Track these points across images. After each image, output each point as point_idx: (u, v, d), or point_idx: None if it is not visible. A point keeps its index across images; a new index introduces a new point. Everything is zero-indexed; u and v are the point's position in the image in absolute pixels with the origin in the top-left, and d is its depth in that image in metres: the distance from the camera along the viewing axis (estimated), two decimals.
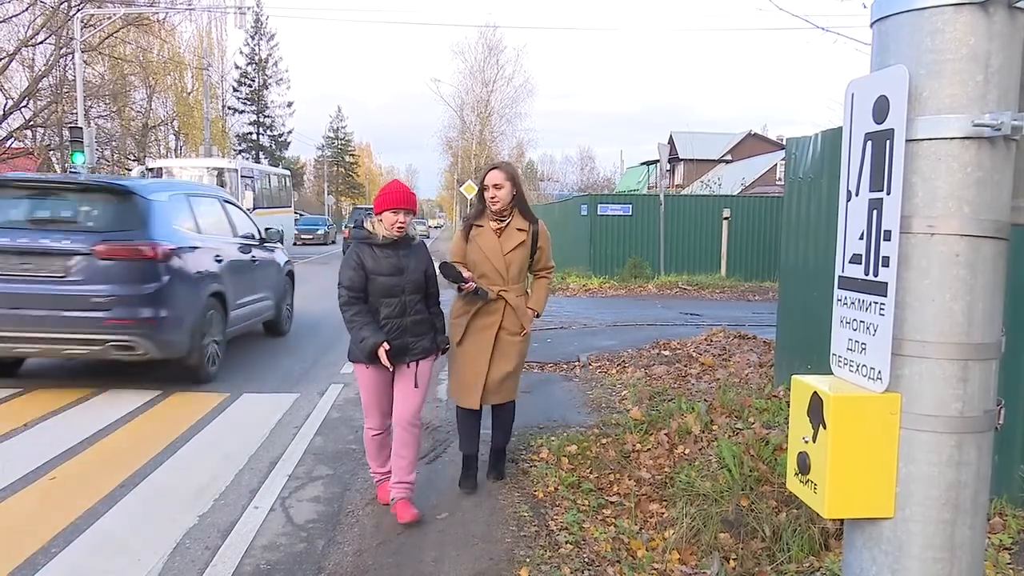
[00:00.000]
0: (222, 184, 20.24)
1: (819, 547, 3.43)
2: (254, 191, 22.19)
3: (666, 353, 8.20)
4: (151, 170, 20.69)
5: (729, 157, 46.00)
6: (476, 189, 4.24)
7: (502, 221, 4.14)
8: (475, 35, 69.06)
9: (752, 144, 46.17)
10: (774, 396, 6.17)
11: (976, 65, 1.05)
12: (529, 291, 4.42)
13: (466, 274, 4.06)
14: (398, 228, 3.73)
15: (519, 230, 4.16)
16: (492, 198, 4.09)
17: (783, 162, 7.59)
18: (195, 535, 3.75)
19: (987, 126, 1.04)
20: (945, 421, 1.07)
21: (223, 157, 27.70)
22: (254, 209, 21.36)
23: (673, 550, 3.52)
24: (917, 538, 1.09)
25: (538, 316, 4.36)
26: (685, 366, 7.56)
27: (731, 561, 3.43)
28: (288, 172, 30.67)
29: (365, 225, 3.83)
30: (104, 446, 5.09)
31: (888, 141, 1.10)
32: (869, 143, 1.14)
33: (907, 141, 1.07)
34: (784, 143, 7.52)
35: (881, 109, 1.11)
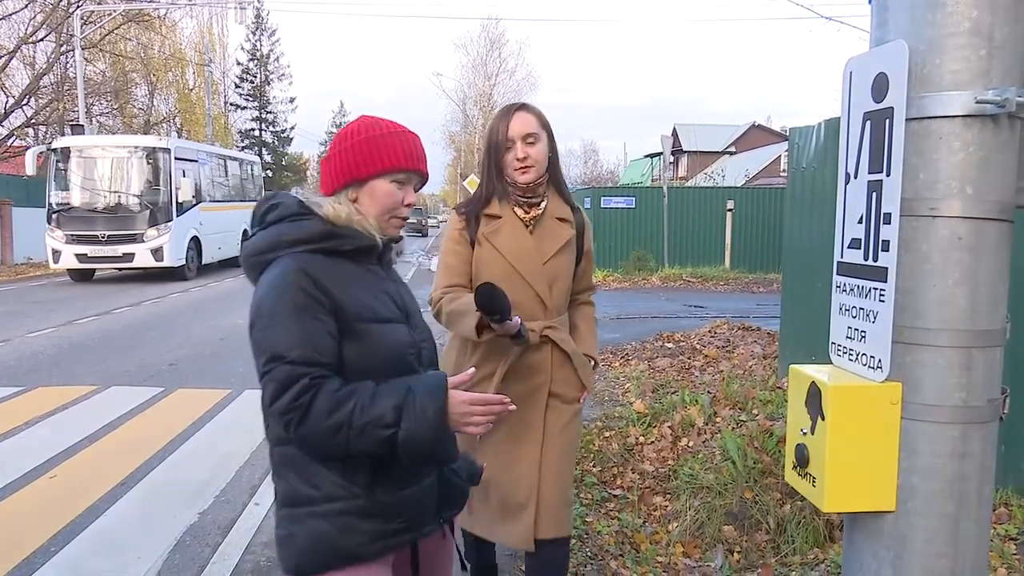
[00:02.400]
0: (154, 168, 15.81)
1: (824, 539, 3.40)
2: (197, 179, 17.40)
3: (670, 345, 8.17)
4: (54, 150, 15.87)
5: (733, 149, 45.83)
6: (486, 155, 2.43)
7: (533, 204, 2.38)
8: (477, 28, 68.90)
9: (756, 136, 45.98)
10: (778, 388, 6.14)
11: (979, 39, 1.01)
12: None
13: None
14: (401, 219, 1.71)
15: (560, 220, 2.41)
16: (522, 161, 2.31)
17: (787, 153, 7.56)
18: (195, 532, 3.74)
19: (990, 103, 0.99)
20: (948, 411, 1.03)
21: (157, 136, 20.87)
22: (197, 203, 17.04)
23: (677, 543, 3.49)
24: (919, 532, 1.05)
25: (595, 367, 2.58)
26: (689, 358, 7.52)
27: (735, 554, 3.40)
28: (256, 159, 24.48)
29: (321, 211, 1.62)
30: (105, 444, 5.08)
31: (887, 120, 1.05)
32: (868, 123, 1.09)
33: (907, 120, 1.03)
34: (788, 134, 7.48)
35: (880, 87, 1.07)
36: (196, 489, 4.28)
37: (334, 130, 71.98)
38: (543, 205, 2.41)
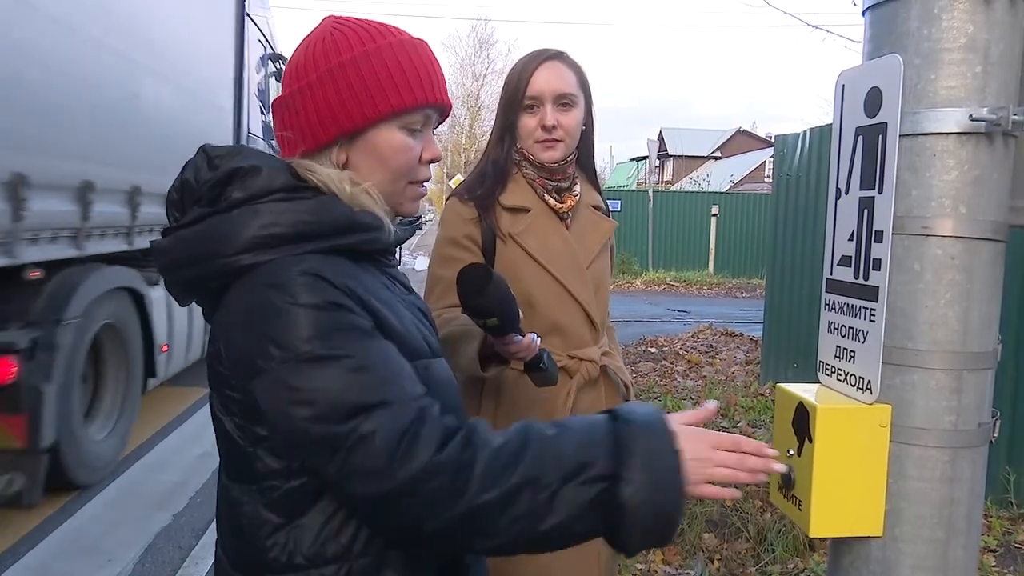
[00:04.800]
0: None
1: (804, 547, 3.40)
2: None
3: (653, 350, 8.17)
4: None
5: (718, 154, 46.10)
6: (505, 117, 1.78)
7: (565, 190, 1.80)
8: (466, 28, 68.82)
9: (741, 141, 46.28)
10: (760, 394, 6.16)
11: (975, 55, 0.99)
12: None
13: None
14: (421, 186, 1.13)
15: (595, 209, 1.88)
16: (549, 132, 1.72)
17: (772, 159, 7.59)
18: (168, 535, 3.67)
19: (985, 120, 0.97)
20: (938, 435, 1.01)
21: None
22: None
23: (657, 551, 3.47)
24: (907, 559, 1.03)
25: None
26: (672, 363, 7.53)
27: (715, 562, 3.39)
28: None
29: (332, 185, 1.01)
30: None
31: (880, 136, 1.03)
32: (860, 138, 1.07)
33: (900, 136, 1.01)
34: (773, 140, 7.52)
35: (873, 102, 1.04)
36: (170, 490, 4.22)
37: None
38: (578, 190, 1.81)
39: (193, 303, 1.07)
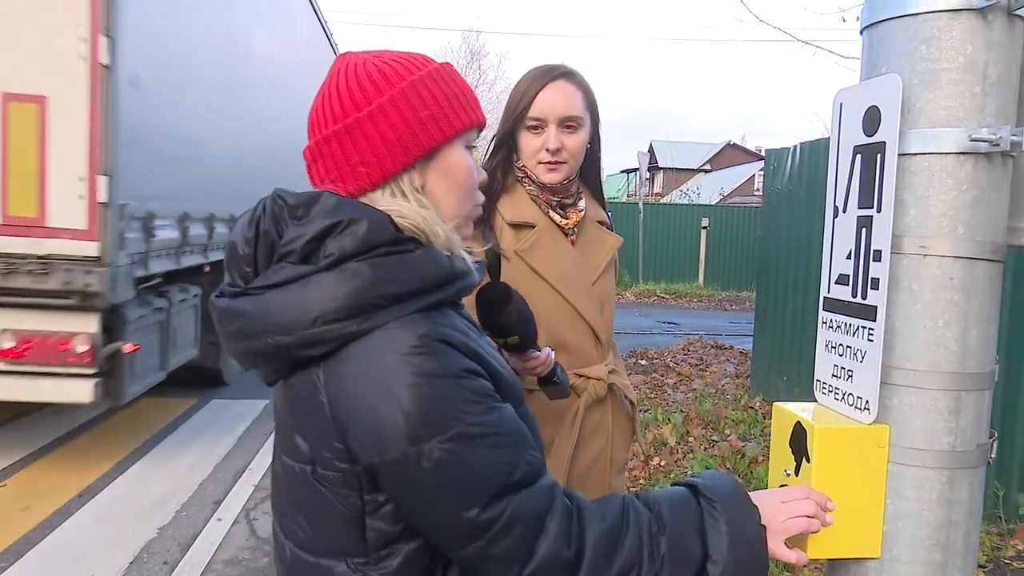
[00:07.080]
0: None
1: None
2: None
3: (643, 362, 8.18)
4: None
5: (708, 167, 46.34)
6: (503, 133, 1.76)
7: (569, 205, 1.79)
8: (458, 39, 69.00)
9: (731, 154, 46.55)
10: (750, 407, 6.17)
11: (973, 75, 0.99)
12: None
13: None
14: (481, 208, 1.15)
15: (600, 225, 1.89)
16: (553, 154, 1.69)
17: (761, 172, 7.62)
18: (154, 548, 3.63)
19: (984, 141, 0.97)
20: (936, 456, 1.00)
21: None
22: None
23: None
24: None
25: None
26: (662, 376, 7.54)
27: None
28: None
29: (428, 230, 0.98)
30: (62, 454, 4.93)
31: (879, 155, 1.03)
32: (858, 156, 1.07)
33: (899, 155, 1.00)
34: (763, 154, 7.56)
35: (872, 120, 1.04)
36: (156, 503, 4.17)
37: None
38: (583, 205, 1.80)
39: None
